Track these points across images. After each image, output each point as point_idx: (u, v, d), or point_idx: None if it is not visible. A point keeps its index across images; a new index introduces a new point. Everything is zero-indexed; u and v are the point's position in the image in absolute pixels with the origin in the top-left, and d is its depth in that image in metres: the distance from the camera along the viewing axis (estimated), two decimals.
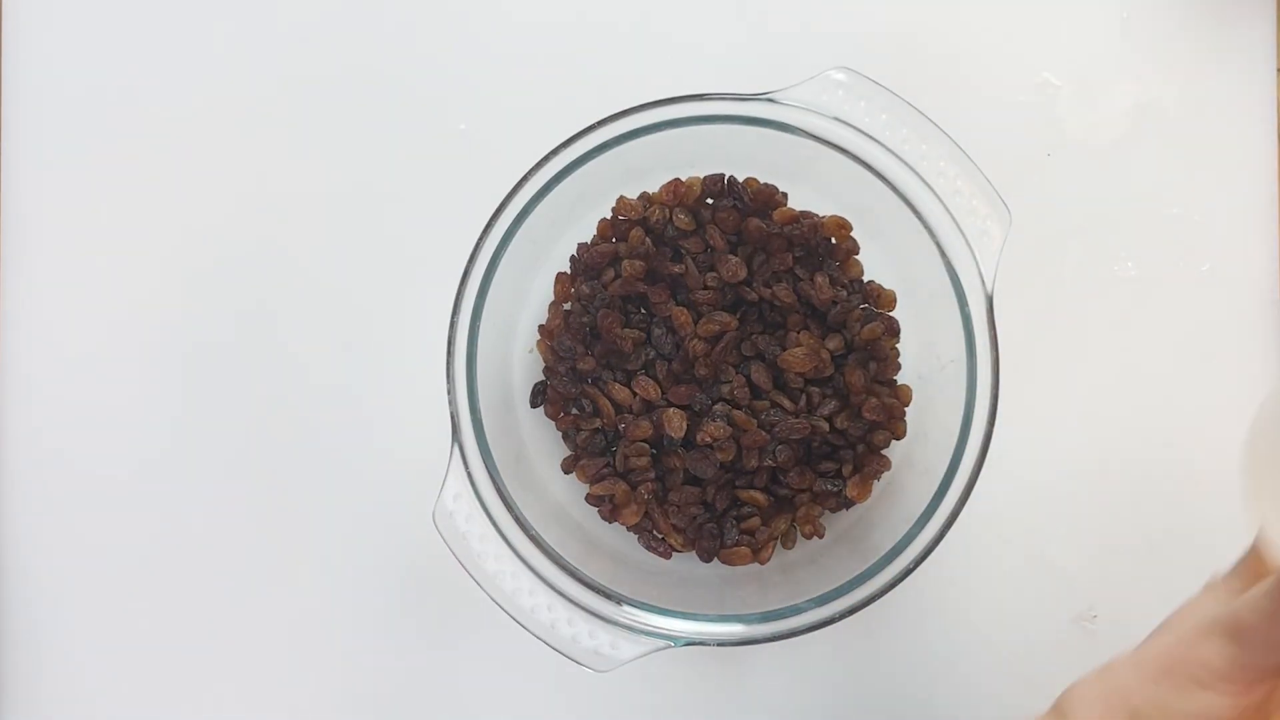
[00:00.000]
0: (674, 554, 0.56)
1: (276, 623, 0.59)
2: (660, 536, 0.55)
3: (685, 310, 0.55)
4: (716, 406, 0.54)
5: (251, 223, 0.60)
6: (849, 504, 0.56)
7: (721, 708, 0.59)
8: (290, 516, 0.60)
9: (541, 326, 0.57)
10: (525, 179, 0.50)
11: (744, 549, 0.55)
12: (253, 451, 0.60)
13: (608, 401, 0.55)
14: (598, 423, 0.55)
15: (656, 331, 0.55)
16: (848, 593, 0.49)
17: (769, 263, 0.55)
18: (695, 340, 0.54)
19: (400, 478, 0.59)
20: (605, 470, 0.55)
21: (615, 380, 0.55)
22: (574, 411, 0.56)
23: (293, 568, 0.59)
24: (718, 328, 0.54)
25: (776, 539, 0.55)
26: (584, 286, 0.55)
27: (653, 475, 0.55)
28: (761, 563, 0.55)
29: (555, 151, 0.50)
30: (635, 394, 0.55)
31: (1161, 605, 0.60)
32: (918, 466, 0.54)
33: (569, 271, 0.57)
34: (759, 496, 0.55)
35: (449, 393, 0.49)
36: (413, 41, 0.61)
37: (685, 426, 0.54)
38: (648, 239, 0.55)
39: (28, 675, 0.60)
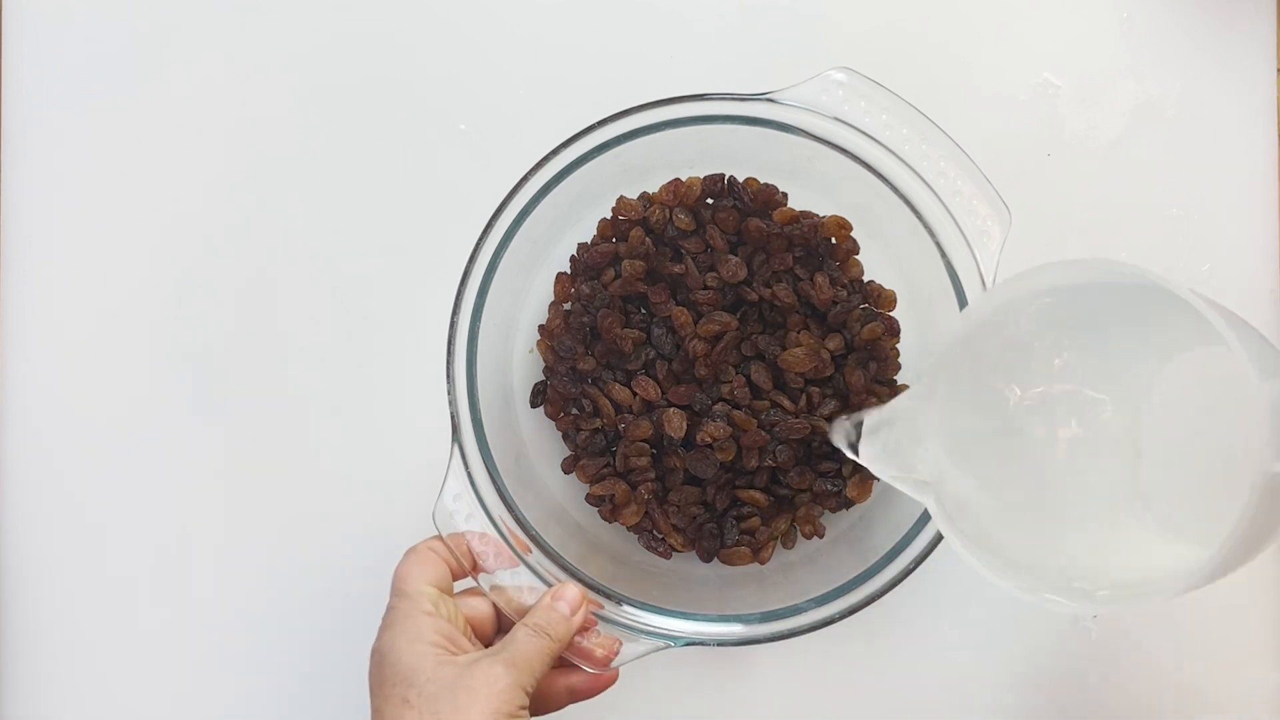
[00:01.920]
0: (674, 554, 0.56)
1: (274, 621, 0.59)
2: (660, 536, 0.55)
3: (685, 310, 0.55)
4: (716, 406, 0.54)
5: (252, 223, 0.60)
6: (849, 504, 0.56)
7: (721, 708, 0.59)
8: (290, 516, 0.60)
9: (542, 327, 0.57)
10: (525, 179, 0.50)
11: (744, 549, 0.55)
12: (252, 450, 0.60)
13: (608, 401, 0.55)
14: (598, 423, 0.55)
15: (656, 331, 0.55)
16: (848, 593, 0.49)
17: (769, 263, 0.55)
18: (695, 340, 0.54)
19: (400, 477, 0.59)
20: (605, 470, 0.55)
21: (615, 380, 0.55)
22: (574, 411, 0.56)
23: (292, 566, 0.59)
24: (718, 328, 0.54)
25: (776, 539, 0.55)
26: (584, 286, 0.55)
27: (653, 475, 0.55)
28: (761, 563, 0.55)
29: (555, 151, 0.50)
30: (635, 394, 0.55)
31: (1162, 605, 0.60)
32: None
33: (569, 272, 0.57)
34: (759, 496, 0.55)
35: (449, 393, 0.49)
36: (413, 42, 0.61)
37: (685, 426, 0.54)
38: (648, 239, 0.55)
39: (27, 671, 0.60)
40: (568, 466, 0.56)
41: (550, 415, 0.57)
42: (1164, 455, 0.41)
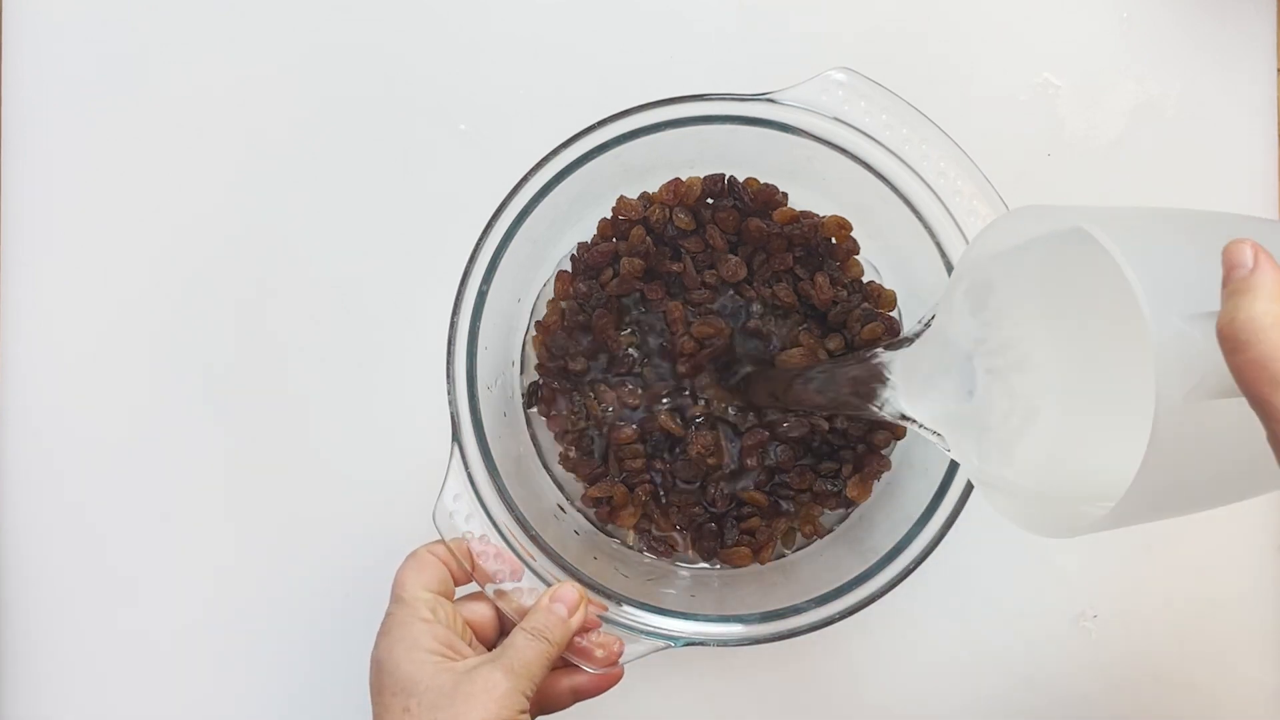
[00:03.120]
0: (673, 554, 0.56)
1: (274, 621, 0.59)
2: (660, 536, 0.55)
3: (680, 305, 0.55)
4: (700, 416, 0.54)
5: (251, 224, 0.60)
6: (849, 504, 0.56)
7: (721, 708, 0.59)
8: (290, 515, 0.60)
9: (538, 323, 0.57)
10: (525, 179, 0.50)
11: (744, 549, 0.55)
12: (252, 450, 0.60)
13: (595, 404, 0.55)
14: (583, 425, 0.55)
15: (650, 326, 0.55)
16: (848, 593, 0.49)
17: (769, 263, 0.55)
18: (686, 338, 0.54)
19: (400, 477, 0.59)
20: (600, 471, 0.55)
21: (605, 383, 0.55)
22: (564, 412, 0.56)
23: (292, 566, 0.59)
24: (712, 331, 0.54)
25: (777, 539, 0.55)
26: (581, 285, 0.55)
27: (648, 478, 0.55)
28: (761, 563, 0.55)
29: (555, 152, 0.50)
30: (622, 397, 0.55)
31: (1162, 605, 0.60)
32: (918, 466, 0.54)
33: (570, 270, 0.57)
34: (759, 496, 0.55)
35: (449, 393, 0.49)
36: (413, 42, 0.61)
37: (682, 426, 0.54)
38: (649, 238, 0.55)
39: (27, 672, 0.60)
40: (566, 464, 0.56)
41: (543, 414, 0.57)
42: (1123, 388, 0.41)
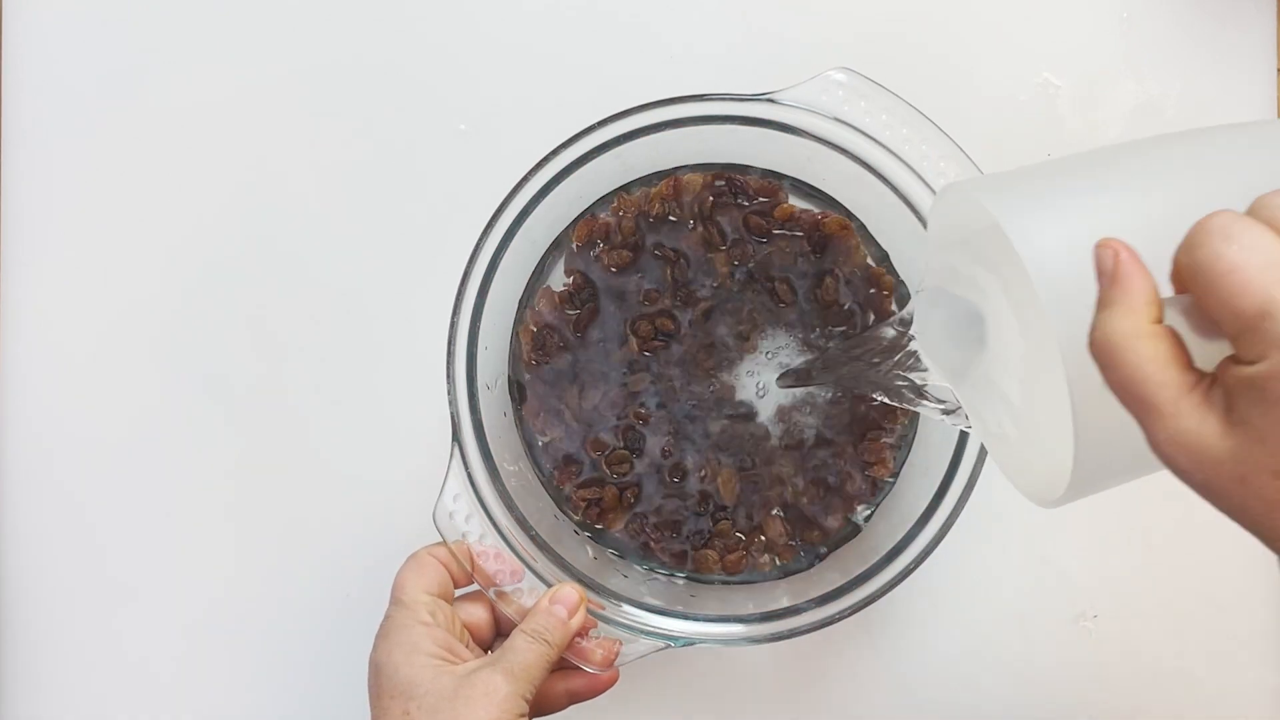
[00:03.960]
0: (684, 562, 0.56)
1: (274, 622, 0.59)
2: (666, 541, 0.55)
3: (665, 296, 0.54)
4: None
5: (252, 225, 0.60)
6: (853, 511, 0.55)
7: (721, 708, 0.59)
8: (290, 517, 0.60)
9: (531, 310, 0.56)
10: (525, 180, 0.50)
11: (711, 553, 0.54)
12: (252, 451, 0.60)
13: (567, 409, 0.55)
14: (560, 431, 0.55)
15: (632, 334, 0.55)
16: (848, 593, 0.49)
17: (769, 258, 0.55)
18: (643, 321, 0.54)
19: (400, 478, 0.59)
20: (590, 474, 0.55)
21: (590, 384, 0.55)
22: (547, 410, 0.56)
23: (292, 567, 0.59)
24: (671, 327, 0.54)
25: (746, 550, 0.55)
26: (578, 275, 0.55)
27: (637, 483, 0.55)
28: (727, 570, 0.54)
29: (555, 152, 0.50)
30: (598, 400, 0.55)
31: (1162, 605, 0.60)
32: (918, 466, 0.54)
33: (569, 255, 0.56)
34: (727, 496, 0.55)
35: (449, 393, 0.49)
36: (412, 42, 0.61)
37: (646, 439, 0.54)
38: (638, 233, 0.54)
39: (27, 673, 0.60)
40: (555, 465, 0.56)
41: (528, 414, 0.56)
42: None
